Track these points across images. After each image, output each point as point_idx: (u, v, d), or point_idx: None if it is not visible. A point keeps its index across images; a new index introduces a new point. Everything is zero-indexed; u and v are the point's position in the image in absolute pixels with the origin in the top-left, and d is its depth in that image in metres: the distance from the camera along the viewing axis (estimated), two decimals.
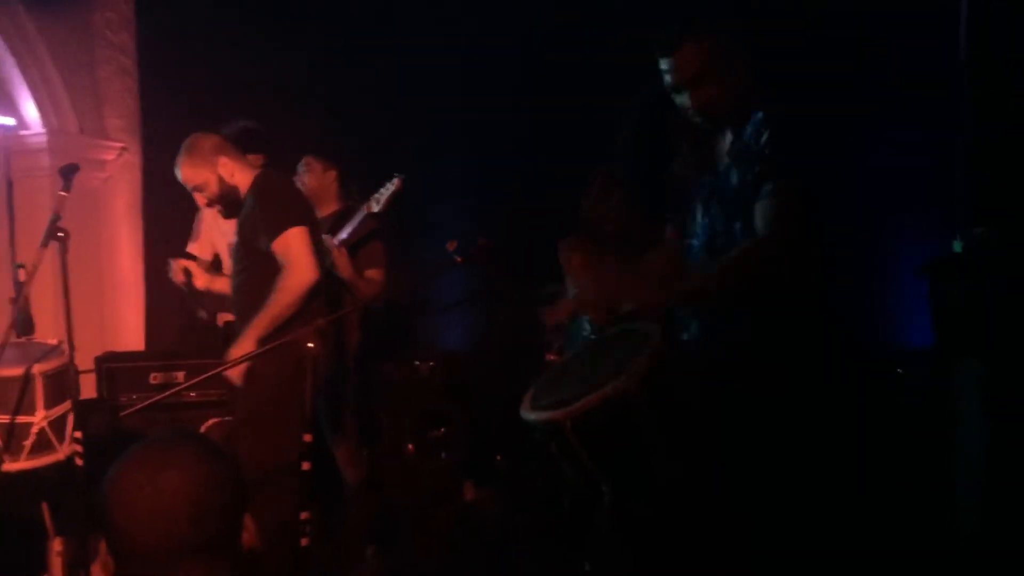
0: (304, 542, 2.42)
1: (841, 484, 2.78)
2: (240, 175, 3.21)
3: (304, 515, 2.43)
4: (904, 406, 3.50)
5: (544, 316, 4.16)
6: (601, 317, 2.55)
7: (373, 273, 4.03)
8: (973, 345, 3.12)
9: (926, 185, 3.95)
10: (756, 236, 2.33)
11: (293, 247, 3.02)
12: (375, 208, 3.91)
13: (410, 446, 5.01)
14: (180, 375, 4.42)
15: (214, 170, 3.18)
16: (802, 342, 2.44)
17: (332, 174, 4.19)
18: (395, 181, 3.92)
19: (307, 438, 2.43)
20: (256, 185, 3.19)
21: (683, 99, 2.44)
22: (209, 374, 2.63)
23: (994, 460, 3.05)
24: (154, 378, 4.44)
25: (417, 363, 5.11)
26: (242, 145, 3.50)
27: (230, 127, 3.77)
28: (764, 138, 2.33)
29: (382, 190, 3.93)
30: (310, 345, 2.41)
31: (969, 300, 3.16)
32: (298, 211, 3.16)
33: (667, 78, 2.44)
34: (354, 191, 4.19)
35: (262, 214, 3.09)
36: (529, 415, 2.43)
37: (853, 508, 2.88)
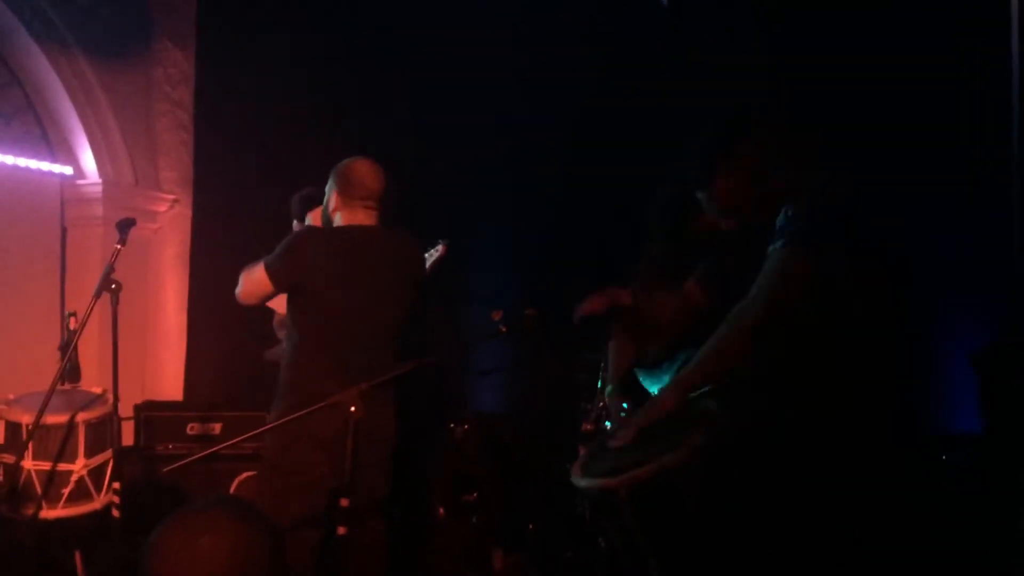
0: None
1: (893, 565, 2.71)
2: None
3: None
4: (950, 493, 3.41)
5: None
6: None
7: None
8: None
9: (977, 265, 3.90)
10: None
11: None
12: None
13: (441, 509, 4.96)
14: (217, 427, 4.44)
15: None
16: (838, 417, 2.40)
17: None
18: (439, 247, 3.95)
19: (344, 503, 2.41)
20: None
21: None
22: (255, 430, 2.63)
23: None
24: (191, 428, 4.46)
25: (452, 425, 5.09)
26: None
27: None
28: (780, 221, 2.32)
29: (426, 255, 3.95)
30: (352, 408, 2.41)
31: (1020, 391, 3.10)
32: None
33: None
34: None
35: None
36: (581, 481, 2.37)
37: None
